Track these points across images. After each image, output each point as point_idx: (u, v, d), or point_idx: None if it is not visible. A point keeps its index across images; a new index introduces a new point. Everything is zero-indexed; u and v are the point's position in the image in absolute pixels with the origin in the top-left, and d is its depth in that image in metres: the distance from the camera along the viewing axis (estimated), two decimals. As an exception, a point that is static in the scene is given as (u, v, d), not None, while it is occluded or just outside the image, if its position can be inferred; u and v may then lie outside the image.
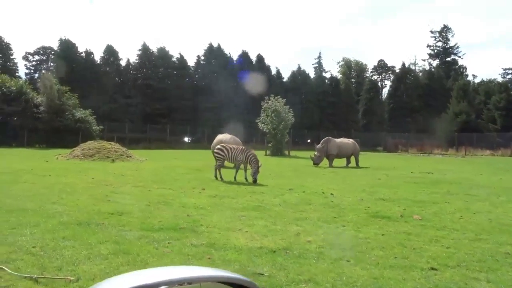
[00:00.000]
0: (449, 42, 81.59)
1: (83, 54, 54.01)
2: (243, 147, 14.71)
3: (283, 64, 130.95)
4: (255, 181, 13.50)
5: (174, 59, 57.39)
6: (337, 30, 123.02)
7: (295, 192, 11.60)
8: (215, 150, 14.94)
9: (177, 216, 7.69)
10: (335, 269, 4.59)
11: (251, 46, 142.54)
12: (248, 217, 7.77)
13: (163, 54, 56.18)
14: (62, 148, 29.56)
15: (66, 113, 39.28)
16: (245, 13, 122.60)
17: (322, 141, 22.50)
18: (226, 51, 61.08)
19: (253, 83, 49.04)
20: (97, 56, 55.36)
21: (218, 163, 14.66)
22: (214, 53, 58.37)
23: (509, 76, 71.93)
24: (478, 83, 69.30)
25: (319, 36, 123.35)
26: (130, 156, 23.66)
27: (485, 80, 69.46)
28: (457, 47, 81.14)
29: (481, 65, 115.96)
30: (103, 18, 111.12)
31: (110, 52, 55.10)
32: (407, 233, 6.70)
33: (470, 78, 76.82)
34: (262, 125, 35.62)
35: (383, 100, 71.04)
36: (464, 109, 55.79)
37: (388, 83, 78.00)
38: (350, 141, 23.87)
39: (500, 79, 67.32)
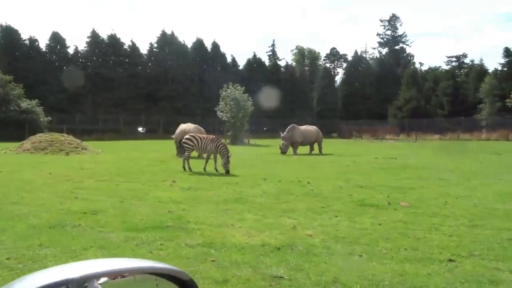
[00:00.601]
0: (397, 31, 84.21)
1: (27, 42, 50.58)
2: (213, 137, 14.15)
3: (238, 52, 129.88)
4: (227, 172, 13.02)
5: (125, 46, 55.08)
6: (290, 18, 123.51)
7: (271, 182, 11.26)
8: (184, 140, 14.27)
9: (157, 212, 7.12)
10: (354, 267, 4.27)
11: (205, 34, 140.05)
12: (234, 210, 7.32)
13: (113, 41, 53.71)
14: (7, 141, 27.48)
15: (11, 104, 36.69)
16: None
17: (287, 129, 22.27)
18: (180, 38, 59.59)
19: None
20: (42, 44, 52.26)
21: (186, 153, 14.03)
22: (167, 41, 56.57)
23: (453, 64, 75.30)
24: (425, 71, 72.11)
25: (273, 24, 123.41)
26: (85, 148, 22.39)
27: (432, 67, 72.46)
28: (405, 36, 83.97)
29: (426, 53, 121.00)
30: (48, 2, 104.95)
31: (56, 39, 52.05)
32: (403, 221, 6.52)
33: (417, 65, 79.84)
34: (221, 113, 35.06)
35: (337, 87, 72.17)
36: (414, 95, 57.80)
37: (340, 71, 79.41)
38: (313, 128, 23.85)
39: (444, 67, 70.41)
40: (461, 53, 70.50)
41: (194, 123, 22.75)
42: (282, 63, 71.73)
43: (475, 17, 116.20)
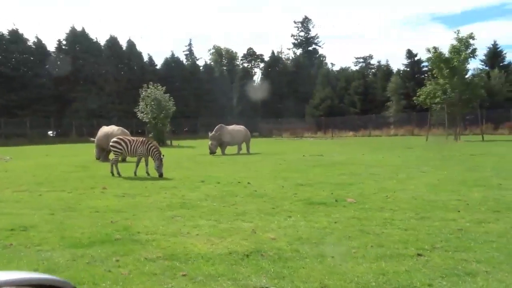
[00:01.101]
0: (310, 32, 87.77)
1: None
2: (143, 139, 13.40)
3: (155, 51, 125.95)
4: (161, 175, 12.38)
5: (30, 43, 50.71)
6: (207, 18, 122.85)
7: (210, 184, 10.92)
8: (111, 144, 13.33)
9: (98, 224, 6.47)
10: (333, 270, 4.14)
11: (119, 32, 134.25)
12: (183, 217, 6.90)
13: (16, 37, 49.11)
14: None
15: None
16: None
17: (215, 129, 21.92)
18: (92, 35, 56.32)
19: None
20: None
21: (114, 157, 13.14)
22: (78, 38, 53.09)
23: (360, 64, 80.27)
24: (337, 71, 75.93)
25: (190, 24, 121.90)
26: (-9, 156, 20.15)
27: (343, 67, 76.49)
28: (317, 37, 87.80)
29: (336, 54, 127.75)
30: None
31: None
32: (356, 218, 6.58)
33: (329, 66, 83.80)
34: (142, 114, 33.71)
35: (255, 87, 73.05)
36: (328, 94, 60.54)
37: (258, 70, 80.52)
38: (242, 127, 23.78)
39: (353, 67, 74.88)
40: (368, 55, 75.51)
41: (110, 125, 21.65)
42: (200, 62, 71.09)
43: (380, 21, 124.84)
